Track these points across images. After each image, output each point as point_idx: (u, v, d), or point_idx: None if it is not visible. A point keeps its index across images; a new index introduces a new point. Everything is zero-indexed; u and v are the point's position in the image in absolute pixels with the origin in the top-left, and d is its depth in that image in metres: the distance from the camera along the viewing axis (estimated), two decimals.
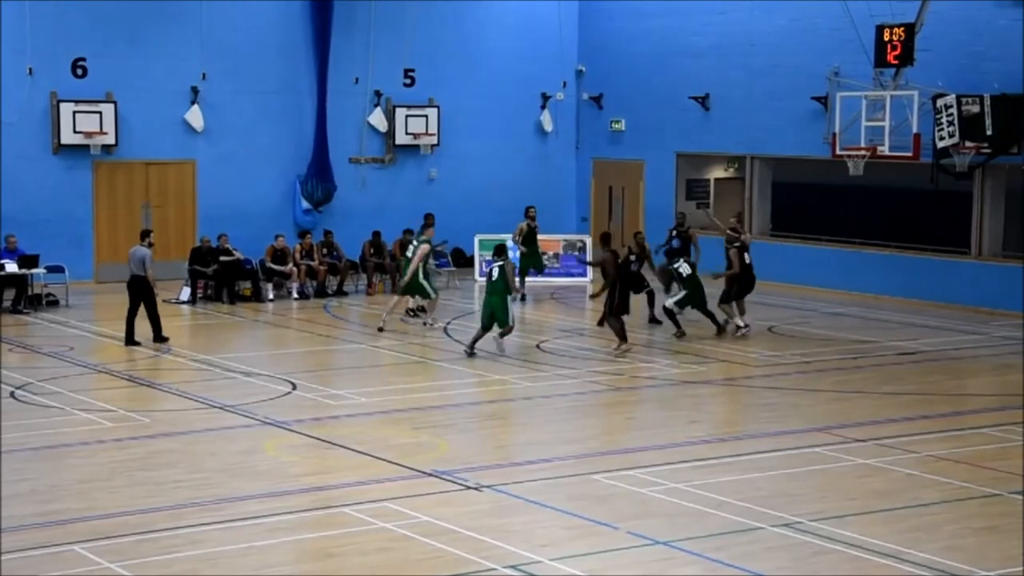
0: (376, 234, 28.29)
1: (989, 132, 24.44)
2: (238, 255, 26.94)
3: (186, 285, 26.50)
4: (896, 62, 25.11)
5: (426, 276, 23.52)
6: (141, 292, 21.55)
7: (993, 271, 26.13)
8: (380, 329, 22.86)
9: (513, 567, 11.05)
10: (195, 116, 29.20)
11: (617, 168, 33.00)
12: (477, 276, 30.14)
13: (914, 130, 24.77)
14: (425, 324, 23.49)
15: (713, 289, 23.09)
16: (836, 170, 27.06)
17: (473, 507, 12.85)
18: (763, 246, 29.09)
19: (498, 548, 11.52)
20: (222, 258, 26.55)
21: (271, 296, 26.98)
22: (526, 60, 32.78)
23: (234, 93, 29.63)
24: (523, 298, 27.05)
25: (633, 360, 20.74)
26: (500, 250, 21.54)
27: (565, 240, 30.74)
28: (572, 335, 22.16)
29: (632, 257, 22.65)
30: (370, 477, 13.80)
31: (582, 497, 13.15)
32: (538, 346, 21.83)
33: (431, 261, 24.84)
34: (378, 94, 31.16)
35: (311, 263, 27.63)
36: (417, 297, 23.94)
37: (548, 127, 33.29)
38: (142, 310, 21.51)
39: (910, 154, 24.94)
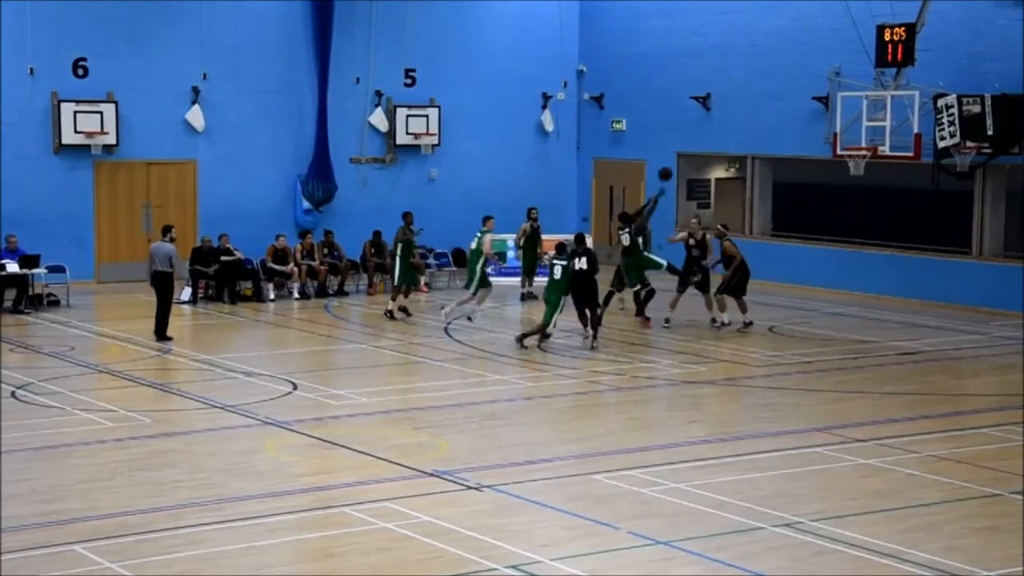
0: (377, 234, 28.29)
1: (990, 132, 24.45)
2: (239, 255, 26.95)
3: (187, 285, 26.50)
4: (897, 62, 25.11)
5: (484, 266, 23.57)
6: (167, 287, 21.97)
7: (994, 271, 26.13)
8: (469, 319, 23.44)
9: (514, 567, 11.05)
10: (196, 116, 29.21)
11: (618, 168, 33.00)
12: None
13: (915, 130, 24.78)
14: (443, 308, 23.83)
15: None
16: (837, 170, 27.06)
17: (473, 507, 12.85)
18: (763, 246, 29.15)
19: (498, 548, 11.53)
20: (223, 258, 26.56)
21: (272, 296, 27.00)
22: (527, 60, 32.79)
23: (235, 93, 29.64)
24: (525, 297, 27.12)
25: (633, 360, 20.75)
26: (562, 248, 22.05)
27: (566, 240, 30.66)
28: (572, 335, 22.16)
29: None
30: (370, 477, 13.80)
31: (582, 497, 13.15)
32: (538, 346, 21.83)
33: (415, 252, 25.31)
34: (379, 94, 31.17)
35: (312, 263, 27.64)
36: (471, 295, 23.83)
37: (549, 127, 33.30)
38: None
39: (911, 154, 24.95)
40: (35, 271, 25.52)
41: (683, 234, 24.22)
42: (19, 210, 27.31)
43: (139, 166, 29.01)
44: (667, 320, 23.50)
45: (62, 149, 28.08)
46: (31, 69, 27.66)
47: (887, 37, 25.10)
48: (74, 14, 28.04)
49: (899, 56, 25.02)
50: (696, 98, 30.95)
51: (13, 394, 17.68)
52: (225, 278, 26.53)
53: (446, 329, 23.42)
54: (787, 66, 29.12)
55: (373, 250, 28.27)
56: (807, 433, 15.98)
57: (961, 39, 26.11)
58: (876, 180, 27.07)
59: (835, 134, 26.20)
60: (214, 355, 20.97)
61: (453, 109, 31.84)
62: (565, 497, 13.14)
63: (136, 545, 11.55)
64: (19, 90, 27.62)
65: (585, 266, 21.50)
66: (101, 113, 28.08)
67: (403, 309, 24.34)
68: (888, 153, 25.21)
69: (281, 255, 27.29)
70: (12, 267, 25.13)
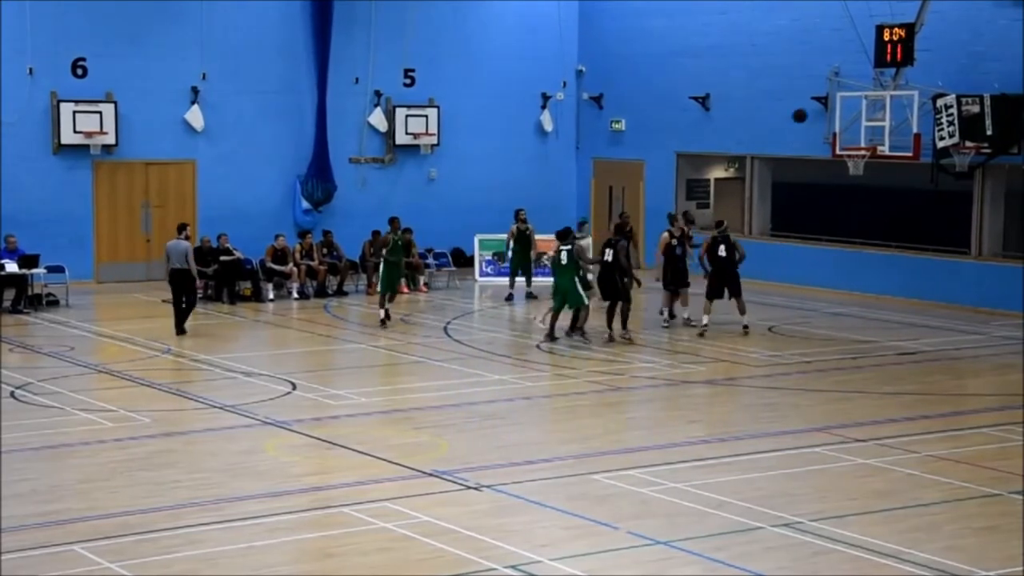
0: (376, 234, 28.22)
1: (989, 132, 24.45)
2: (238, 255, 26.95)
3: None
4: (896, 62, 25.11)
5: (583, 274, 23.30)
6: (185, 284, 22.34)
7: (993, 271, 26.13)
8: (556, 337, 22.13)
9: (513, 567, 11.05)
10: (195, 116, 29.21)
11: (617, 168, 33.00)
12: (477, 276, 30.17)
13: (914, 130, 24.78)
14: (534, 319, 23.58)
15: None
16: (836, 170, 27.06)
17: (473, 507, 12.85)
18: (763, 246, 29.16)
19: (498, 548, 11.52)
20: (222, 258, 26.55)
21: (271, 296, 26.99)
22: (526, 60, 32.79)
23: (234, 93, 29.64)
24: (510, 298, 26.98)
25: (633, 360, 20.74)
26: (566, 233, 22.10)
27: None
28: (573, 335, 22.13)
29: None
30: (370, 477, 13.80)
31: (582, 497, 13.15)
32: (538, 346, 21.83)
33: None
34: (378, 94, 31.17)
35: (311, 263, 27.64)
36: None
37: (548, 127, 33.30)
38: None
39: (910, 154, 24.95)
40: (34, 271, 25.51)
41: (672, 241, 23.80)
42: (18, 210, 27.30)
43: (138, 166, 29.01)
44: (667, 320, 23.47)
45: (61, 149, 28.07)
46: (31, 69, 27.66)
47: (886, 37, 25.10)
48: (74, 14, 28.03)
49: (898, 56, 25.02)
50: (696, 98, 30.94)
51: (13, 394, 17.68)
52: (224, 278, 26.53)
53: (445, 329, 23.41)
54: (786, 66, 29.11)
55: (372, 250, 28.27)
56: (806, 433, 15.97)
57: (960, 39, 26.10)
58: (876, 180, 27.07)
59: (834, 134, 26.21)
60: (213, 355, 20.97)
61: (452, 109, 31.84)
62: (564, 497, 13.14)
63: (136, 545, 11.54)
64: (19, 90, 27.62)
65: (610, 259, 21.60)
66: (100, 113, 28.08)
67: (386, 314, 23.83)
68: (887, 153, 25.22)
69: (280, 255, 27.28)
70: (11, 267, 25.13)
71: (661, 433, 16.27)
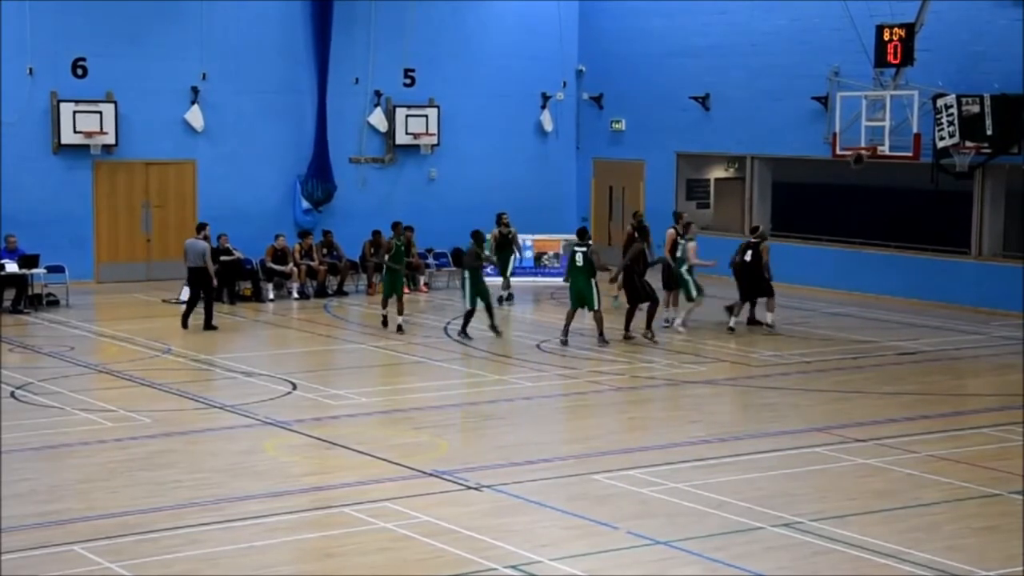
0: (376, 234, 28.19)
1: (989, 132, 24.45)
2: (238, 255, 26.95)
3: (186, 285, 26.43)
4: (896, 62, 25.12)
5: (690, 272, 23.21)
6: (202, 283, 22.96)
7: (993, 271, 26.13)
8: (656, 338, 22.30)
9: (513, 567, 11.05)
10: (195, 116, 29.21)
11: (617, 168, 33.00)
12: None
13: (914, 130, 24.80)
14: (668, 323, 23.33)
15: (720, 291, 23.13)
16: (836, 170, 27.04)
17: (473, 507, 12.85)
18: None
19: (498, 548, 11.53)
20: (222, 258, 26.51)
21: (271, 296, 26.99)
22: (526, 60, 32.79)
23: (234, 93, 29.64)
24: (504, 299, 26.88)
25: (633, 360, 20.75)
26: (583, 233, 22.30)
27: (565, 240, 30.70)
28: (572, 335, 22.13)
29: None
30: (370, 477, 13.80)
31: (582, 497, 13.15)
32: (538, 346, 21.83)
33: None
34: (378, 94, 31.17)
35: (311, 263, 27.64)
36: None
37: (548, 127, 33.30)
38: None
39: (910, 154, 24.97)
40: (34, 271, 25.51)
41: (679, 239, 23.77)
42: (18, 210, 27.30)
43: (138, 166, 29.01)
44: (667, 320, 23.47)
45: (61, 149, 28.07)
46: (31, 69, 27.66)
47: (886, 37, 25.11)
48: (74, 14, 28.03)
49: (898, 56, 25.04)
50: (695, 98, 30.95)
51: (13, 394, 17.68)
52: (224, 278, 26.49)
53: (445, 329, 23.42)
54: (786, 66, 29.11)
55: (372, 250, 28.24)
56: (807, 433, 15.98)
57: (960, 39, 26.11)
58: (876, 180, 27.06)
59: (834, 134, 26.21)
60: (213, 355, 20.97)
61: (452, 109, 31.84)
62: (564, 497, 13.14)
63: (136, 545, 11.55)
64: (19, 90, 27.62)
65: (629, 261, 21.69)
66: (100, 113, 28.08)
67: (384, 318, 23.85)
68: (887, 153, 25.22)
69: (280, 255, 27.28)
70: (11, 267, 25.13)
71: (661, 433, 16.27)
